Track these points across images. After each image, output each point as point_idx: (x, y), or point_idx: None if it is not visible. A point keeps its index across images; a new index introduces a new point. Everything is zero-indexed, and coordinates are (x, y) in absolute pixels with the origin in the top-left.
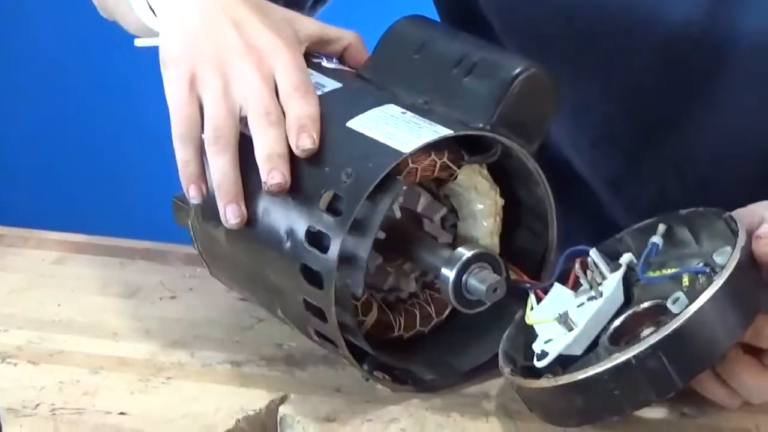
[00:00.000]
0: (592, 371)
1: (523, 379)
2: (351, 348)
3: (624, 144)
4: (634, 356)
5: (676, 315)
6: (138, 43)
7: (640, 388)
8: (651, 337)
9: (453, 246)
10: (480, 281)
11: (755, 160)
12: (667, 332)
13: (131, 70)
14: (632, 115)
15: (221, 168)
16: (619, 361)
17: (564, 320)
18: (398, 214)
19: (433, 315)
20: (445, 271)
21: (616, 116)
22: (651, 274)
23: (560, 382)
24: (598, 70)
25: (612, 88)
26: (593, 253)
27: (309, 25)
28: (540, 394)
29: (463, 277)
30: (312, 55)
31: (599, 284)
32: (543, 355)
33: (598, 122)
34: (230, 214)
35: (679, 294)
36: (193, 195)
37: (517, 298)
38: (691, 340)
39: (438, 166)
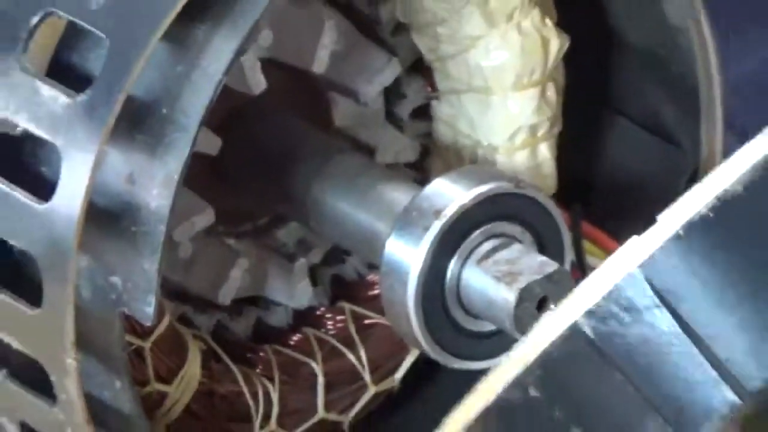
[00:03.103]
0: None
1: None
2: None
3: None
4: None
5: None
6: None
7: None
8: None
9: (417, 172)
10: (499, 278)
11: None
12: None
13: None
14: None
15: None
16: None
17: None
18: (259, 85)
19: (366, 378)
20: (396, 246)
21: None
22: None
23: None
24: None
25: None
26: None
27: None
28: None
29: (450, 266)
30: None
31: None
32: None
33: None
34: None
35: None
36: None
37: None
38: None
39: None
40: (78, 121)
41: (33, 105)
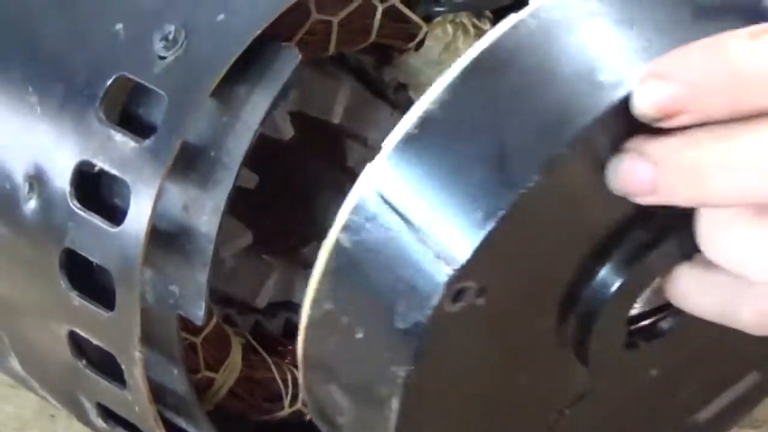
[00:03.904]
0: None
1: None
2: None
3: None
4: None
5: None
6: None
7: None
8: None
9: None
10: None
11: None
12: None
13: None
14: None
15: None
16: None
17: None
18: (288, 132)
19: None
20: None
21: None
22: None
23: None
24: None
25: None
26: None
27: None
28: None
29: None
30: None
31: None
32: None
33: None
34: None
35: None
36: None
37: None
38: None
39: (379, 14)
40: (144, 162)
41: (107, 149)
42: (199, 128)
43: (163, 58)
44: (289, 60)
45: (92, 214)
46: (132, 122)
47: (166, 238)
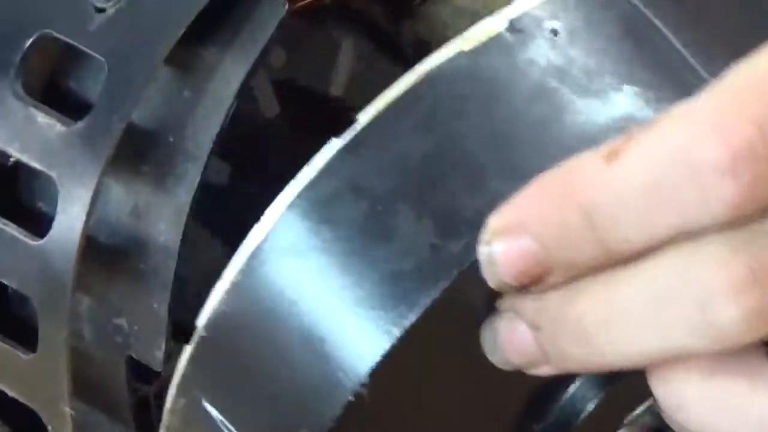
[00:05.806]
0: None
1: None
2: None
3: None
4: None
5: None
6: None
7: None
8: None
9: None
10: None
11: None
12: None
13: None
14: None
15: None
16: None
17: None
18: (271, 108)
19: None
20: None
21: None
22: None
23: None
24: None
25: None
26: None
27: None
28: None
29: None
30: None
31: None
32: None
33: None
34: None
35: None
36: None
37: None
38: None
39: None
40: (75, 151)
41: (27, 134)
42: (152, 105)
43: (101, 10)
44: (273, 12)
45: (7, 222)
46: (60, 98)
47: (110, 255)
